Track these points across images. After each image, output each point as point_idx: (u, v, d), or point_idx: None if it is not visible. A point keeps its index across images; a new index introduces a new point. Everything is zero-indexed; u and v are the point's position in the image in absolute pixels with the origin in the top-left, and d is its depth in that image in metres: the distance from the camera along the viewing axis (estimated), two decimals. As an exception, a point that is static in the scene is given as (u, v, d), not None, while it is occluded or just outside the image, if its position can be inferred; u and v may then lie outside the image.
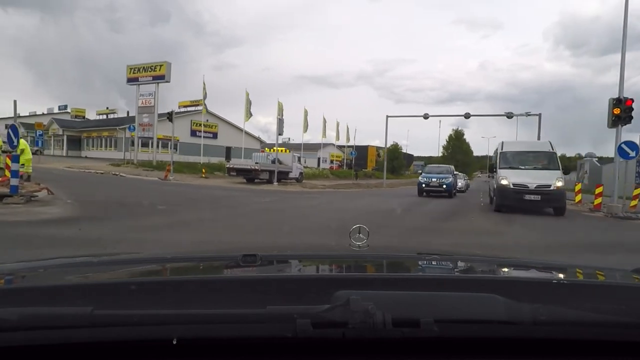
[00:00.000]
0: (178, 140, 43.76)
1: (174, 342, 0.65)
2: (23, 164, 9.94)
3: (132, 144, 36.06)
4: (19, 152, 9.54)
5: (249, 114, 37.08)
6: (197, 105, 45.33)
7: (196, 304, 0.72)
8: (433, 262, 1.33)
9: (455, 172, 20.80)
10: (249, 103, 36.74)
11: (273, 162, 24.19)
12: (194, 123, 44.30)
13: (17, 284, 0.98)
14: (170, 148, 27.13)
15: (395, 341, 0.66)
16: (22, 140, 10.17)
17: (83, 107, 61.43)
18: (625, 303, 0.80)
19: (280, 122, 20.62)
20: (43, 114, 56.19)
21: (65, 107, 64.06)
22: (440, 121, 69.91)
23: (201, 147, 34.65)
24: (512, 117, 26.63)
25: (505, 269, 1.38)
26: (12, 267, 1.15)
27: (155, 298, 0.75)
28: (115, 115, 54.16)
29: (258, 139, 51.45)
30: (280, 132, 20.81)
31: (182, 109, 45.98)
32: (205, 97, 34.12)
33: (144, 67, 30.47)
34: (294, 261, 1.40)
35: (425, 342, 0.68)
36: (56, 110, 62.30)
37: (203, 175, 24.40)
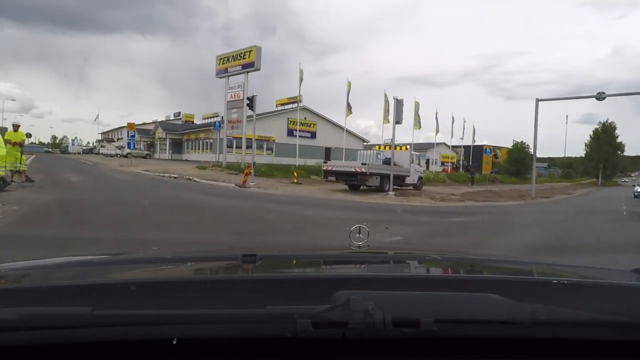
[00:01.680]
0: (274, 140, 40.20)
1: (174, 342, 0.65)
2: None
3: (229, 145, 33.23)
4: None
5: (350, 109, 31.52)
6: (294, 102, 41.40)
7: (196, 304, 0.72)
8: (433, 262, 1.31)
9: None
10: (350, 96, 31.26)
11: (385, 162, 17.96)
12: (290, 121, 40.16)
13: (17, 284, 0.98)
14: (246, 147, 23.18)
15: (395, 341, 0.66)
16: None
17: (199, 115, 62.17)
18: (625, 303, 0.80)
19: (400, 104, 14.26)
20: (157, 121, 57.53)
21: (179, 114, 66.09)
22: (567, 116, 63.29)
23: (297, 148, 29.90)
24: None
25: (505, 269, 1.37)
26: (12, 267, 1.15)
27: (155, 298, 0.74)
28: (218, 119, 53.01)
29: (361, 139, 45.62)
30: (398, 120, 14.47)
31: (280, 108, 42.46)
32: (301, 96, 29.26)
33: (232, 56, 26.65)
34: (294, 261, 1.39)
35: (425, 342, 0.68)
36: (171, 117, 64.30)
37: (295, 181, 19.17)
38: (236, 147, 34.50)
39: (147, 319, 0.68)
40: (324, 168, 16.58)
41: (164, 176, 18.78)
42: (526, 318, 0.69)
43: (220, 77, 27.56)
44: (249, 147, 26.19)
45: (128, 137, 29.00)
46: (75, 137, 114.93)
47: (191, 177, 17.82)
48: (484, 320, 0.69)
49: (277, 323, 0.66)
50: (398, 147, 20.57)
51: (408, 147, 20.17)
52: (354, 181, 16.06)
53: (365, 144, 43.64)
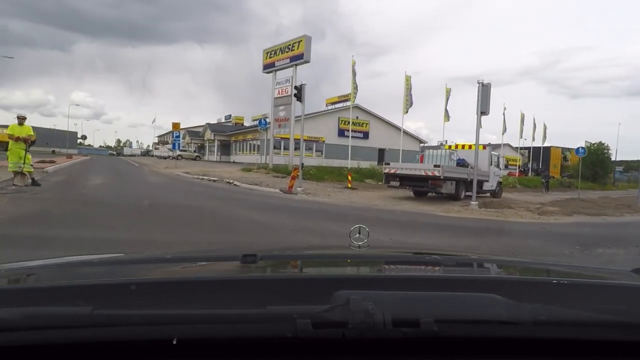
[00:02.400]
0: (323, 141, 37.78)
1: (174, 342, 0.64)
2: None
3: (277, 146, 31.28)
4: None
5: (408, 105, 28.31)
6: (345, 100, 38.69)
7: (196, 304, 0.72)
8: (433, 262, 1.30)
9: None
10: (409, 90, 28.05)
11: (459, 164, 14.77)
12: (341, 121, 37.50)
13: (17, 284, 0.97)
14: (294, 147, 20.82)
15: (395, 341, 0.66)
16: None
17: (249, 118, 61.55)
18: (625, 303, 0.80)
19: (486, 90, 11.11)
20: (206, 123, 57.21)
21: (229, 116, 65.96)
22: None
23: (349, 149, 27.17)
24: None
25: (505, 269, 1.37)
26: (12, 267, 1.15)
27: (155, 298, 0.74)
28: (267, 119, 51.68)
29: (417, 139, 42.03)
30: (484, 109, 11.30)
31: (329, 107, 39.98)
32: (356, 89, 26.55)
33: (280, 49, 24.43)
34: (294, 261, 1.38)
35: (425, 342, 0.68)
36: (222, 120, 64.19)
37: (349, 186, 16.45)
38: (284, 149, 32.56)
39: (147, 319, 0.68)
40: (386, 171, 13.66)
41: (202, 179, 16.79)
42: (526, 318, 0.69)
43: (267, 72, 25.47)
44: (297, 148, 23.86)
45: (173, 137, 27.71)
46: (137, 141, 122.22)
47: (231, 181, 15.64)
48: (484, 320, 0.69)
49: (277, 323, 0.66)
50: (468, 146, 17.26)
51: (487, 145, 16.69)
52: (423, 187, 13.03)
53: (422, 145, 40.02)
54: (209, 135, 51.45)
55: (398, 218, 8.82)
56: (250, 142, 41.23)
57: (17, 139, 9.18)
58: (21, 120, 9.53)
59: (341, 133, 37.20)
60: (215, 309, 0.70)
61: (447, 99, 30.83)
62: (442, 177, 12.34)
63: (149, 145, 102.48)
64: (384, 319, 0.64)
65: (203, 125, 57.07)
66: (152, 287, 0.82)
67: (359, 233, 1.41)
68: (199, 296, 0.75)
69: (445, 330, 0.66)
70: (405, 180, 13.29)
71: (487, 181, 15.06)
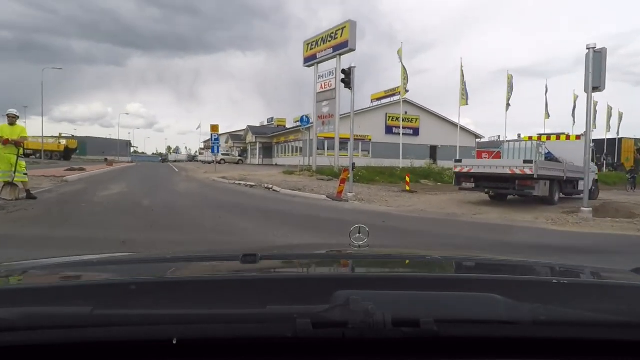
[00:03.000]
0: (370, 139, 35.26)
1: (174, 342, 0.64)
2: None
3: (320, 147, 29.18)
4: None
5: (464, 96, 25.22)
6: (393, 94, 35.90)
7: (196, 304, 0.72)
8: (433, 262, 1.30)
9: None
10: (463, 81, 24.95)
11: (549, 159, 11.86)
12: (389, 117, 34.75)
13: (17, 284, 0.97)
14: (339, 148, 18.49)
15: (395, 341, 0.66)
16: None
17: (291, 120, 60.39)
18: (625, 303, 0.79)
19: (599, 57, 8.23)
20: (248, 126, 56.41)
21: (272, 119, 65.19)
22: None
23: (400, 147, 24.48)
24: None
25: (505, 269, 1.34)
26: (12, 267, 1.15)
27: (155, 298, 0.74)
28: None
29: (474, 134, 38.39)
30: (597, 84, 8.38)
31: (375, 103, 37.33)
32: (406, 80, 23.86)
33: (322, 38, 22.17)
34: (294, 261, 1.38)
35: (425, 342, 0.68)
36: (265, 123, 63.44)
37: (407, 189, 13.88)
38: (327, 149, 30.36)
39: (147, 319, 0.68)
40: (457, 170, 10.98)
41: (239, 184, 14.90)
42: (526, 318, 0.69)
43: (309, 66, 23.32)
44: (342, 148, 21.56)
45: (212, 140, 26.31)
46: (185, 147, 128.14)
47: (270, 186, 13.57)
48: (484, 320, 0.69)
49: (277, 323, 0.66)
50: (556, 137, 14.11)
51: (581, 136, 13.49)
52: (509, 189, 10.26)
53: (478, 140, 36.37)
54: (250, 138, 50.33)
55: (505, 237, 6.23)
56: (293, 143, 39.40)
57: (7, 142, 7.50)
58: (12, 119, 7.75)
59: (389, 130, 34.44)
60: (215, 309, 0.70)
61: (511, 88, 27.37)
62: (535, 176, 9.53)
63: (195, 151, 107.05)
64: (384, 319, 0.64)
65: (244, 129, 56.17)
66: (152, 287, 0.81)
67: (359, 233, 1.40)
68: (199, 296, 0.74)
69: (445, 330, 0.66)
70: (483, 180, 10.56)
71: (582, 179, 12.01)
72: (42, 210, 6.84)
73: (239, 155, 55.78)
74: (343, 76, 11.91)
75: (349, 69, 11.71)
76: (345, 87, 12.10)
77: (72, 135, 60.31)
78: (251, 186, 14.16)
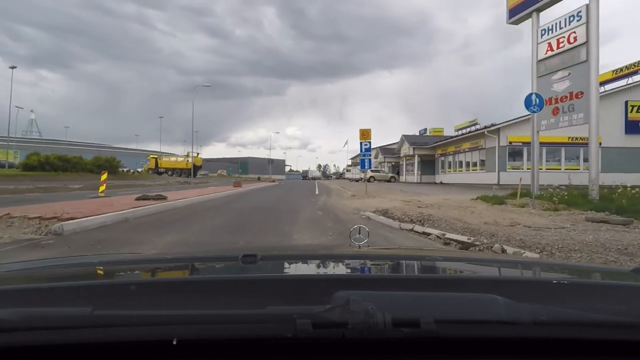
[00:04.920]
0: (600, 143, 23.39)
1: (174, 343, 0.65)
2: None
3: (511, 155, 19.46)
4: None
5: None
6: (636, 70, 23.38)
7: (196, 304, 0.72)
8: (433, 262, 1.29)
9: None
10: None
11: None
12: (631, 107, 22.36)
13: (17, 284, 0.97)
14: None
15: (395, 341, 0.66)
16: None
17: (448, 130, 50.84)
18: (625, 303, 0.79)
19: None
20: (403, 135, 48.66)
21: (425, 130, 56.67)
22: None
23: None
24: None
25: (505, 269, 1.33)
26: (12, 267, 1.12)
27: (155, 298, 0.74)
28: (477, 127, 39.14)
29: None
30: None
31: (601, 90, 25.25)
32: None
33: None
34: (294, 261, 1.35)
35: (425, 342, 0.68)
36: (417, 135, 55.18)
37: None
38: (521, 159, 20.22)
39: (147, 319, 0.68)
40: None
41: (420, 234, 6.67)
42: (526, 318, 0.68)
43: (517, 21, 13.94)
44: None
45: (361, 151, 18.94)
46: (334, 165, 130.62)
47: (524, 252, 4.98)
48: (484, 321, 0.69)
49: (277, 323, 0.66)
50: None
51: None
52: None
53: None
54: (406, 150, 41.84)
55: None
56: (467, 153, 29.52)
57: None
58: None
59: (630, 127, 22.10)
60: (215, 309, 0.70)
61: None
62: None
63: (343, 168, 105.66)
64: (384, 319, 0.64)
65: (397, 141, 48.10)
66: (152, 287, 0.81)
67: (359, 233, 1.43)
68: (199, 296, 0.74)
69: (445, 331, 0.66)
70: None
71: None
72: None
73: (390, 172, 47.94)
74: None
75: None
76: None
77: (197, 154, 63.36)
78: (461, 244, 5.75)
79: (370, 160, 19.14)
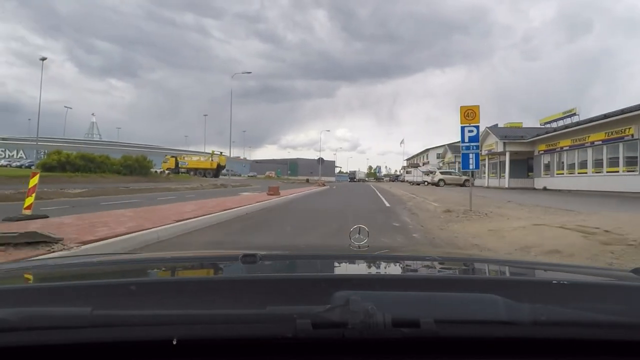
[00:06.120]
0: None
1: (174, 343, 0.65)
2: None
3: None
4: None
5: None
6: None
7: (196, 304, 0.72)
8: (433, 262, 1.28)
9: None
10: None
11: None
12: None
13: (17, 284, 0.97)
14: None
15: (395, 341, 0.66)
16: None
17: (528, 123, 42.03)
18: (625, 303, 0.79)
19: None
20: (487, 128, 40.69)
21: (495, 126, 47.68)
22: None
23: None
24: None
25: (505, 269, 1.33)
26: (12, 267, 1.11)
27: (155, 298, 0.74)
28: (579, 117, 30.15)
29: None
30: None
31: None
32: None
33: None
34: (294, 261, 1.38)
35: (425, 342, 0.68)
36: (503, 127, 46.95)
37: None
38: None
39: (147, 319, 0.68)
40: None
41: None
42: (526, 318, 0.68)
43: None
44: None
45: (463, 141, 11.76)
46: (385, 166, 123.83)
47: None
48: (484, 321, 0.69)
49: (277, 323, 0.66)
50: None
51: None
52: None
53: None
54: (492, 144, 33.50)
55: None
56: (599, 146, 21.11)
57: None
58: None
59: None
60: (215, 309, 0.70)
61: None
62: None
63: (396, 170, 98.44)
64: (384, 320, 0.64)
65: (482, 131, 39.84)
66: (152, 287, 0.81)
67: (359, 233, 1.41)
68: (199, 296, 0.74)
69: (445, 331, 0.66)
70: None
71: None
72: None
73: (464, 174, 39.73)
74: None
75: None
76: None
77: (221, 152, 57.13)
78: None
79: (477, 155, 12.06)
